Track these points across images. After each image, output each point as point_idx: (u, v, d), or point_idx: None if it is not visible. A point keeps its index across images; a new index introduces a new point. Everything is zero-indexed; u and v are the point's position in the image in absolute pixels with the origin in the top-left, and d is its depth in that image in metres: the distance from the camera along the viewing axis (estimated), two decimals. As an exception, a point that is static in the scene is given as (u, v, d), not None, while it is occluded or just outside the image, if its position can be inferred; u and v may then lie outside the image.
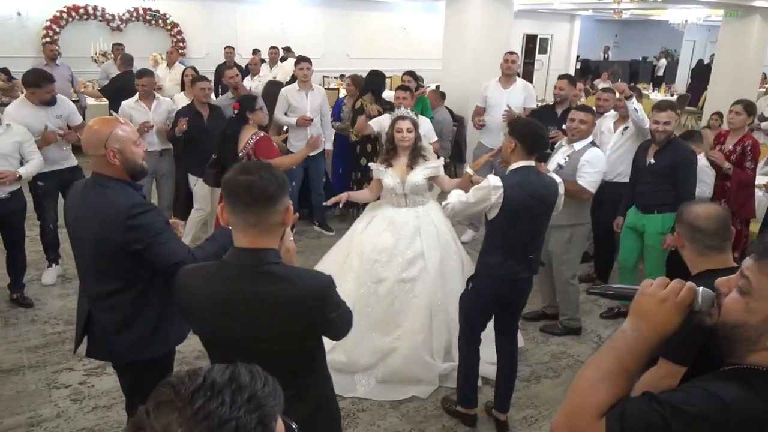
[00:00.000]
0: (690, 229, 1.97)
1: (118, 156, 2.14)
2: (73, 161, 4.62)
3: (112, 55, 9.10)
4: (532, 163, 2.92)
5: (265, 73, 9.13)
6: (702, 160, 4.68)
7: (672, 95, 13.99)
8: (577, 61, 18.57)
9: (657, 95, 13.60)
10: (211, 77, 9.94)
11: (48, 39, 9.98)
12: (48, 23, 10.44)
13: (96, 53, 10.64)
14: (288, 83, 6.51)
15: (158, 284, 2.24)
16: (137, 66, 6.77)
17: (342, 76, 11.37)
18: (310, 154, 5.59)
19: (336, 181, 6.24)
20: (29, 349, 3.86)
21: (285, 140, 5.81)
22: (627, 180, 4.50)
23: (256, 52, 10.03)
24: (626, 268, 4.39)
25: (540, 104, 7.17)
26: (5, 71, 8.74)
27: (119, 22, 11.10)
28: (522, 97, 5.78)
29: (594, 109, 4.59)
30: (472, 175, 3.40)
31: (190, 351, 3.74)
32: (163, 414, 0.79)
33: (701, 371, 1.22)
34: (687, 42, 19.83)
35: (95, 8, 10.84)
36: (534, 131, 2.88)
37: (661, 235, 4.04)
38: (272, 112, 5.56)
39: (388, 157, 3.68)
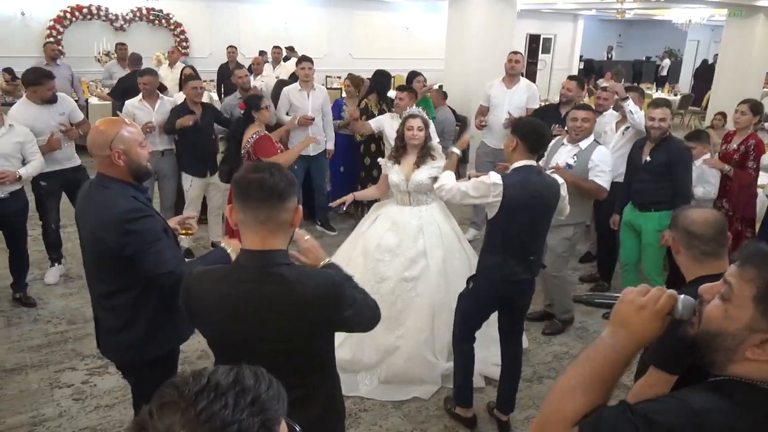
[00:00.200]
0: (686, 234, 1.91)
1: (122, 157, 2.15)
2: (76, 161, 4.62)
3: (115, 55, 9.12)
4: (533, 162, 2.91)
5: (268, 73, 9.13)
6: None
7: (675, 95, 13.97)
8: (581, 60, 18.55)
9: (660, 95, 13.57)
10: (214, 77, 10.03)
11: (51, 39, 9.99)
12: (51, 23, 10.47)
13: (99, 53, 10.66)
14: (288, 82, 6.51)
15: (157, 286, 2.24)
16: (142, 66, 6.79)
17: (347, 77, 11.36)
18: (311, 154, 5.61)
19: (337, 179, 6.23)
20: (32, 349, 3.86)
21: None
22: None
23: (262, 53, 10.05)
24: (629, 265, 4.39)
25: (543, 103, 7.16)
26: (9, 71, 8.77)
27: (122, 22, 11.12)
28: (525, 96, 5.76)
29: (593, 107, 4.60)
30: (459, 155, 3.43)
31: (193, 351, 3.74)
32: (166, 415, 0.79)
33: (695, 382, 1.19)
34: (690, 42, 19.78)
35: (99, 8, 10.86)
36: (536, 130, 2.87)
37: (658, 233, 4.05)
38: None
39: (397, 155, 3.72)
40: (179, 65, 8.55)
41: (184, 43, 11.70)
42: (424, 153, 3.65)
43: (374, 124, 5.22)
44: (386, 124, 5.12)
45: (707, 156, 4.74)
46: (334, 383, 1.84)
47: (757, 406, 1.06)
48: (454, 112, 7.07)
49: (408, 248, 3.59)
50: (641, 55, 20.31)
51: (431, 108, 6.30)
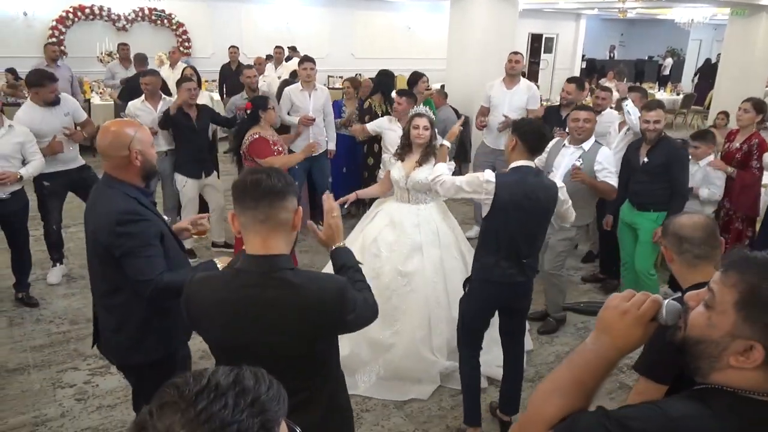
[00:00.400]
0: (677, 240, 1.92)
1: (140, 157, 2.19)
2: (80, 161, 4.64)
3: (118, 55, 9.14)
4: (532, 163, 2.89)
5: (270, 73, 9.15)
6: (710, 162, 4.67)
7: (678, 94, 13.94)
8: (583, 60, 18.52)
9: (663, 94, 13.56)
10: (216, 77, 10.04)
11: (54, 39, 10.01)
12: (54, 23, 10.49)
13: (102, 53, 10.69)
14: (289, 81, 6.51)
15: None
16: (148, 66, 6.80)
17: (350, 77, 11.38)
18: (313, 155, 5.60)
19: (340, 180, 6.23)
20: (34, 349, 3.87)
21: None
22: None
23: (269, 58, 10.06)
24: (628, 264, 4.38)
25: (545, 104, 7.16)
26: (12, 71, 8.78)
27: (125, 22, 11.13)
28: (525, 97, 5.76)
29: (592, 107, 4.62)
30: (449, 147, 3.46)
31: (194, 351, 3.71)
32: (165, 415, 0.79)
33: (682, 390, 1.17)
34: (693, 41, 19.76)
35: (101, 8, 10.87)
36: (536, 130, 2.86)
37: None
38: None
39: (402, 152, 3.78)
40: (180, 65, 8.56)
41: (186, 44, 11.71)
42: (428, 152, 3.69)
43: (372, 127, 5.22)
44: (385, 127, 5.12)
45: (711, 158, 4.73)
46: (337, 384, 1.84)
47: (735, 415, 1.03)
48: (456, 111, 7.08)
49: (404, 244, 3.63)
50: (643, 55, 20.28)
51: (433, 108, 6.30)
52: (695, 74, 17.28)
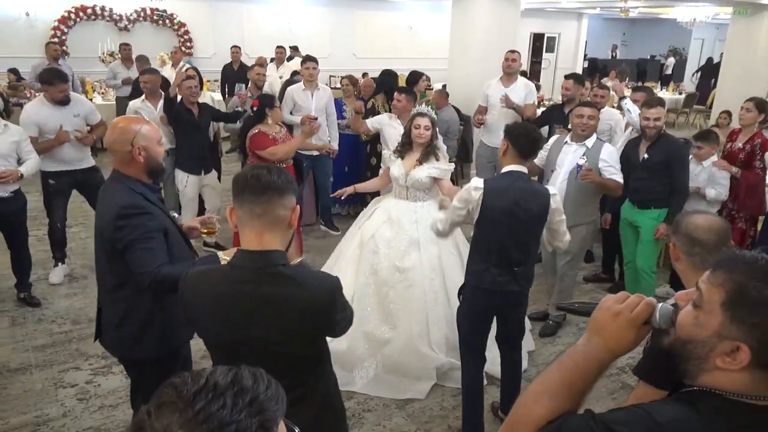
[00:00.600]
0: (689, 240, 1.84)
1: (143, 153, 2.20)
2: (89, 162, 4.64)
3: (119, 55, 9.15)
4: (523, 168, 2.83)
5: (272, 73, 9.14)
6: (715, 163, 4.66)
7: (680, 94, 13.91)
8: (585, 59, 18.50)
9: (665, 94, 13.53)
10: (218, 77, 10.04)
11: (56, 39, 10.03)
12: (56, 23, 10.50)
13: (103, 53, 10.71)
14: (290, 81, 6.51)
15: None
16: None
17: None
18: (315, 154, 5.61)
19: (342, 180, 6.22)
20: (36, 349, 3.87)
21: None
22: None
23: (273, 60, 10.06)
24: (631, 263, 4.37)
25: (548, 103, 7.15)
26: (14, 71, 8.80)
27: (126, 23, 11.15)
28: (523, 94, 5.79)
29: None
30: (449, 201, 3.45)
31: (195, 351, 3.71)
32: (164, 415, 0.79)
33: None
34: (695, 40, 19.71)
35: (103, 8, 10.89)
36: (527, 133, 2.81)
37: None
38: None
39: (402, 150, 3.79)
40: (181, 65, 8.56)
41: (188, 44, 11.73)
42: (429, 152, 3.70)
43: (371, 123, 5.22)
44: (384, 124, 5.12)
45: (715, 158, 4.71)
46: (330, 382, 1.85)
47: (723, 418, 1.02)
48: (458, 111, 7.07)
49: (402, 240, 3.65)
50: (646, 54, 20.25)
51: (434, 110, 6.30)
52: (695, 72, 17.26)
